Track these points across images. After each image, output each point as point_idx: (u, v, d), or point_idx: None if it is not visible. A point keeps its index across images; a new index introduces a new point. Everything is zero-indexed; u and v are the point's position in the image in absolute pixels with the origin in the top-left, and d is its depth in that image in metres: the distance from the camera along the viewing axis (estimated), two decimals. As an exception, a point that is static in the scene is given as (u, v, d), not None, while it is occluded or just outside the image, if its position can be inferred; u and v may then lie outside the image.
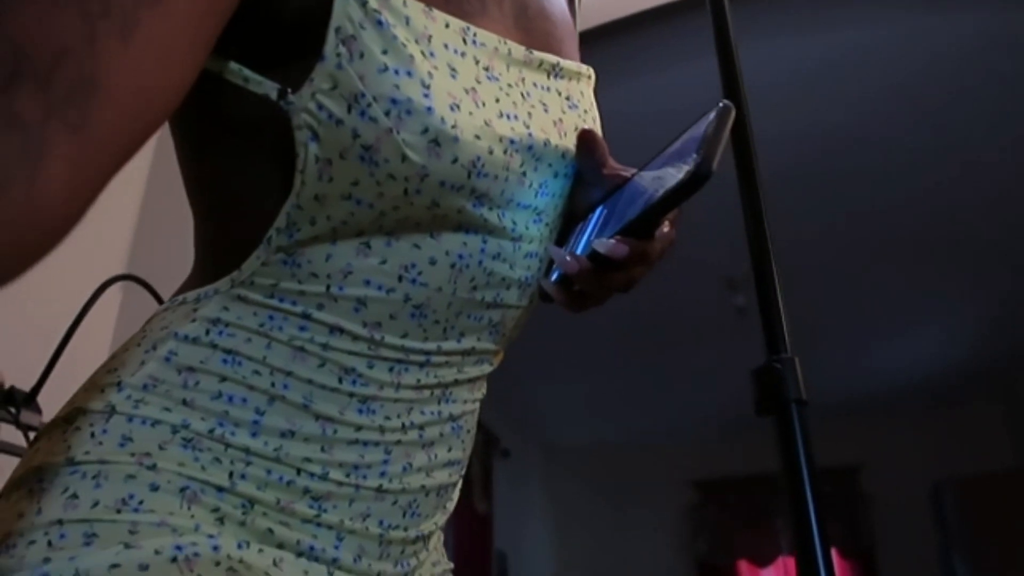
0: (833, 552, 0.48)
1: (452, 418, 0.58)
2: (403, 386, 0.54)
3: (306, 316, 0.51)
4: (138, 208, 1.94)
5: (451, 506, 0.62)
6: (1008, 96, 2.47)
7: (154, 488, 0.46)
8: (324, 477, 0.51)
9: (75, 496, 0.45)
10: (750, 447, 4.27)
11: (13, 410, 1.14)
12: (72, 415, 0.50)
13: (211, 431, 0.49)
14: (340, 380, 0.51)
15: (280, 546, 0.50)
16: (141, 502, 0.46)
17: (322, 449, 0.51)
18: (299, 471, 0.50)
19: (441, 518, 0.61)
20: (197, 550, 0.45)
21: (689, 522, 5.75)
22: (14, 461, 1.38)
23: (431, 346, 0.54)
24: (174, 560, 0.44)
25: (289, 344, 0.51)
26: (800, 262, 3.32)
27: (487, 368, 0.61)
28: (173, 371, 0.50)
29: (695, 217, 3.33)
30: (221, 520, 0.48)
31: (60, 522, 0.44)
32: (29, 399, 1.16)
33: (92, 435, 0.48)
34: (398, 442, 0.54)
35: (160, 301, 1.31)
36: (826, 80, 2.43)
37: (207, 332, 0.51)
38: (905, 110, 2.56)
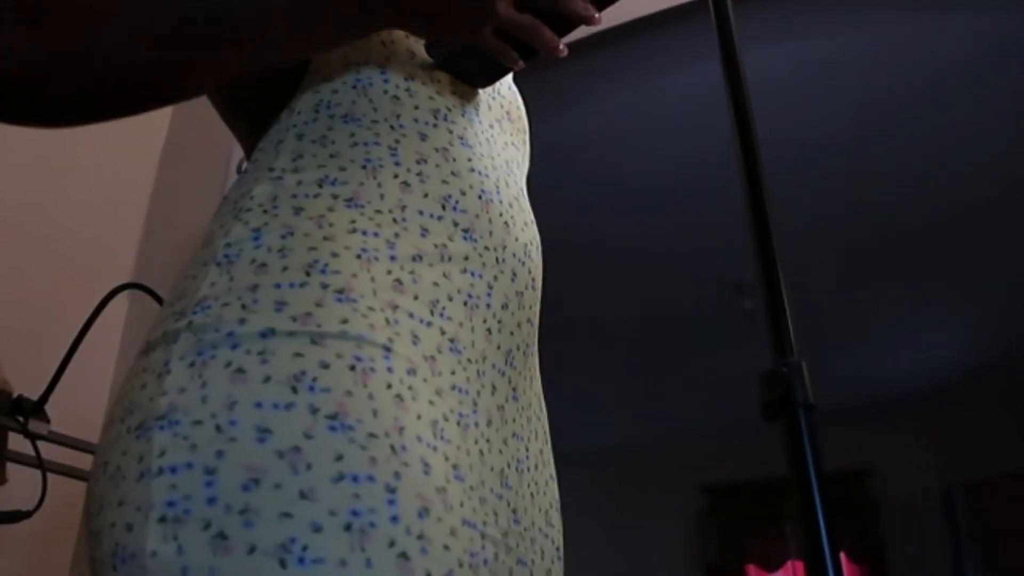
0: (842, 556, 0.48)
1: None
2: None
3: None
4: (144, 217, 1.95)
5: None
6: (1010, 96, 2.47)
7: (335, 255, 0.50)
8: (462, 198, 0.57)
9: (264, 265, 0.49)
10: (759, 451, 4.26)
11: (21, 419, 1.15)
12: (238, 204, 0.54)
13: (364, 167, 0.55)
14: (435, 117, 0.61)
15: (442, 331, 0.52)
16: (326, 265, 0.49)
17: (452, 173, 0.58)
18: (443, 204, 0.56)
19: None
20: (374, 366, 0.46)
21: (698, 527, 5.74)
22: (23, 470, 1.38)
23: None
24: (352, 369, 0.46)
25: (386, 94, 0.59)
26: (807, 266, 3.31)
27: None
28: (308, 143, 0.56)
29: (703, 222, 3.34)
30: (400, 281, 0.51)
31: (254, 287, 0.48)
32: (37, 407, 1.16)
33: (264, 211, 0.52)
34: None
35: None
36: (829, 83, 2.43)
37: (316, 109, 0.58)
38: (909, 113, 2.56)
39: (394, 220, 0.54)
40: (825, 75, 2.41)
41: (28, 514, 1.08)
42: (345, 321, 0.47)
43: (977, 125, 2.62)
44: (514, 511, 0.54)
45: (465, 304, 0.54)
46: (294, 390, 0.44)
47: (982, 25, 2.22)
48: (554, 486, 0.63)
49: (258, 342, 0.45)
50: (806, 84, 2.43)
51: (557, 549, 0.60)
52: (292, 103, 0.60)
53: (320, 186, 0.54)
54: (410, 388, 0.48)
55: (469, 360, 0.53)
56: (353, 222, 0.52)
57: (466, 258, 0.55)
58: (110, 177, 1.89)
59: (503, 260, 0.58)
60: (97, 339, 1.88)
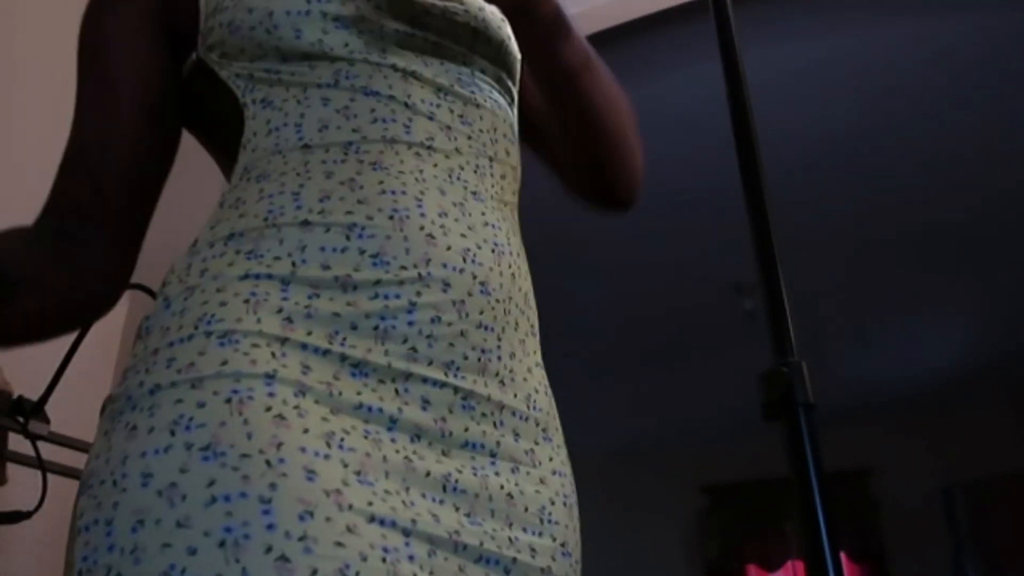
0: (843, 556, 0.48)
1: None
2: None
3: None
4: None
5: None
6: (1011, 96, 2.47)
7: (223, 304, 0.53)
8: (369, 223, 0.57)
9: (167, 328, 0.54)
10: (759, 451, 4.26)
11: (21, 419, 1.15)
12: (165, 277, 0.60)
13: (265, 219, 0.57)
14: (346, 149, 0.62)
15: (343, 357, 0.53)
16: (213, 315, 0.53)
17: (358, 201, 0.58)
18: (347, 234, 0.57)
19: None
20: (252, 395, 0.49)
21: (698, 527, 5.74)
22: (23, 470, 1.38)
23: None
24: (228, 401, 0.49)
25: (299, 144, 0.62)
26: (807, 266, 3.31)
27: None
28: (226, 208, 0.61)
29: (703, 222, 3.34)
30: (290, 319, 0.53)
31: (156, 351, 0.53)
32: (37, 408, 1.16)
33: (179, 279, 0.57)
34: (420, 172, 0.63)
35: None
36: (829, 83, 2.43)
37: (241, 176, 0.62)
38: (908, 112, 2.56)
39: (292, 263, 0.55)
40: (825, 75, 2.41)
41: (28, 514, 1.08)
42: (224, 363, 0.50)
43: (978, 125, 2.62)
44: (468, 514, 0.54)
45: (376, 328, 0.55)
46: (172, 432, 0.48)
47: (982, 24, 2.22)
48: (558, 482, 0.62)
49: (148, 399, 0.50)
50: (806, 84, 2.43)
51: (562, 545, 0.59)
52: (235, 169, 0.65)
53: (226, 244, 0.58)
54: (296, 408, 0.50)
55: (381, 380, 0.54)
56: (247, 271, 0.55)
57: (377, 282, 0.56)
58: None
59: (428, 274, 0.57)
60: (97, 339, 1.87)
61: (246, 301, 0.53)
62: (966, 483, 4.66)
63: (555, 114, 0.75)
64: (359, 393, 0.53)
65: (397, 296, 0.56)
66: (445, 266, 0.58)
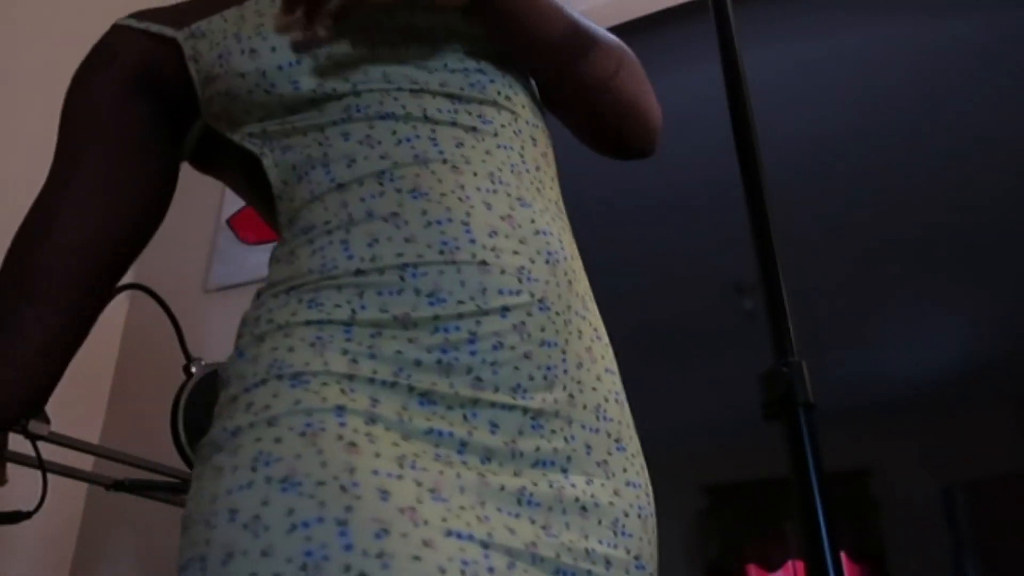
0: (843, 556, 0.48)
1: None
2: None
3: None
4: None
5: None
6: (1012, 97, 2.46)
7: (291, 349, 0.55)
8: (420, 261, 0.58)
9: (242, 377, 0.56)
10: (759, 451, 4.26)
11: (23, 420, 1.14)
12: (239, 331, 0.63)
13: (321, 273, 0.58)
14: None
15: (410, 388, 0.55)
16: (283, 361, 0.55)
17: (406, 239, 0.59)
18: (401, 275, 0.57)
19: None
20: (324, 426, 0.51)
21: (698, 527, 5.73)
22: (23, 471, 1.38)
23: None
24: (302, 435, 0.50)
25: (332, 188, 0.63)
26: (807, 265, 3.31)
27: None
28: (279, 265, 0.62)
29: (703, 222, 3.34)
30: (354, 359, 0.55)
31: (234, 399, 0.55)
32: (38, 409, 1.16)
33: (250, 332, 0.60)
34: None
35: (166, 310, 1.32)
36: (829, 83, 2.43)
37: (288, 226, 0.65)
38: (909, 112, 2.55)
39: (352, 310, 0.57)
40: (825, 75, 2.40)
41: (28, 515, 1.07)
42: (297, 402, 0.52)
43: (978, 124, 2.62)
44: (544, 527, 0.55)
45: (439, 362, 0.55)
46: (253, 469, 0.50)
47: (982, 24, 2.22)
48: (632, 492, 0.63)
49: (231, 440, 0.52)
50: (806, 84, 2.42)
51: (636, 558, 0.60)
52: (277, 219, 0.67)
53: (287, 294, 0.59)
54: (367, 435, 0.51)
55: (449, 407, 0.55)
56: (309, 319, 0.57)
57: (435, 317, 0.56)
58: (110, 177, 1.89)
59: (485, 302, 0.57)
60: (97, 339, 1.87)
61: (312, 345, 0.55)
62: (967, 482, 4.65)
63: (550, 92, 0.75)
64: (428, 419, 0.54)
65: (457, 328, 0.56)
66: (501, 292, 0.58)
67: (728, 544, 5.57)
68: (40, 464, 1.08)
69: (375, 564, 0.46)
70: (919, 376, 4.76)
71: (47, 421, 1.17)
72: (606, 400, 0.63)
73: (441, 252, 0.58)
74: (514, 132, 0.68)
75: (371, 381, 0.54)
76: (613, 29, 1.74)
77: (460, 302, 0.57)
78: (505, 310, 0.58)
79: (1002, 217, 3.08)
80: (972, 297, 3.86)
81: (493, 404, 0.56)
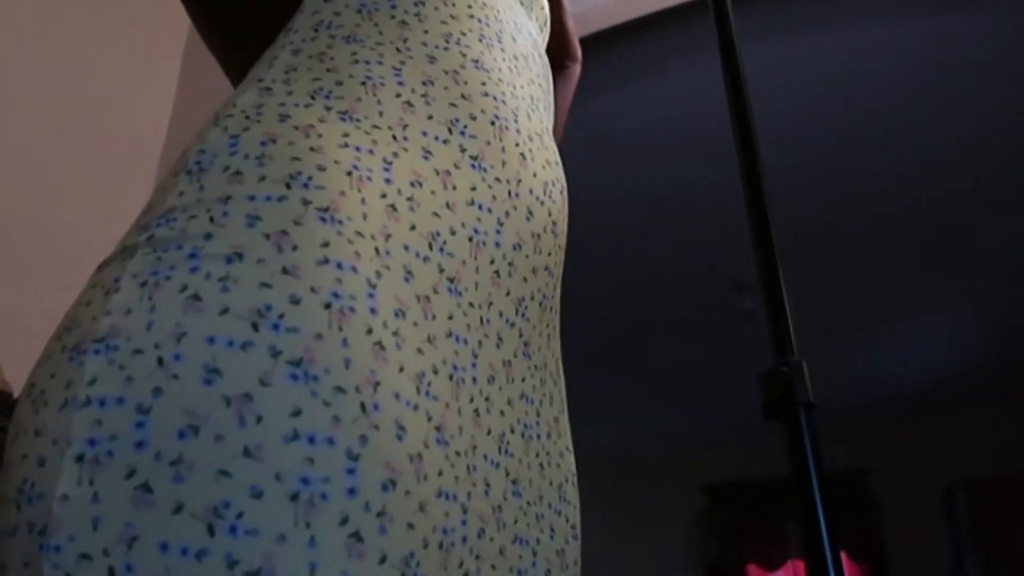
0: (843, 555, 0.48)
1: None
2: None
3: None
4: (133, 225, 1.95)
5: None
6: (1012, 96, 2.47)
7: (321, 167, 0.44)
8: (472, 123, 0.53)
9: (239, 173, 0.43)
10: (760, 451, 4.26)
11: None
12: (219, 113, 0.48)
13: (363, 83, 0.50)
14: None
15: (441, 269, 0.47)
16: (310, 178, 0.43)
17: (463, 96, 0.54)
18: (450, 127, 0.51)
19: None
20: (354, 305, 0.40)
21: (698, 526, 5.74)
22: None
23: None
24: (327, 307, 0.39)
25: (392, 19, 0.56)
26: (807, 265, 3.31)
27: None
28: (304, 58, 0.52)
29: (703, 222, 3.34)
30: (394, 207, 0.45)
31: (226, 198, 0.42)
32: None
33: (247, 116, 0.46)
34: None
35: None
36: (829, 82, 2.43)
37: (316, 28, 0.55)
38: (909, 112, 2.56)
39: (394, 138, 0.48)
40: (825, 74, 2.40)
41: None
42: (326, 244, 0.41)
43: (979, 124, 2.62)
44: (514, 481, 0.48)
45: (470, 240, 0.48)
46: (255, 327, 0.38)
47: (982, 23, 2.22)
48: (570, 459, 0.57)
49: (218, 263, 0.39)
50: (806, 83, 2.42)
51: (572, 527, 0.55)
52: (289, 24, 0.57)
53: (313, 97, 0.48)
54: (395, 334, 0.42)
55: (471, 304, 0.47)
56: (346, 135, 0.47)
57: (473, 188, 0.50)
58: (110, 181, 1.89)
59: (517, 195, 0.52)
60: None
61: (348, 174, 0.45)
62: (967, 482, 4.66)
63: None
64: (451, 317, 0.46)
65: (489, 210, 0.50)
66: (531, 192, 0.54)
67: (728, 544, 5.58)
68: (41, 464, 1.07)
69: (374, 525, 0.37)
70: (919, 376, 4.77)
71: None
72: (557, 356, 0.60)
73: (492, 123, 0.55)
74: (545, 78, 0.71)
75: (407, 248, 0.45)
76: (613, 29, 1.74)
77: (498, 180, 0.53)
78: (530, 214, 0.54)
79: (1003, 217, 3.08)
80: (972, 297, 3.87)
81: (502, 314, 0.49)
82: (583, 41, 1.67)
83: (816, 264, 3.35)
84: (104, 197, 1.86)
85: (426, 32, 0.56)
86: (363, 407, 0.38)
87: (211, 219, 0.41)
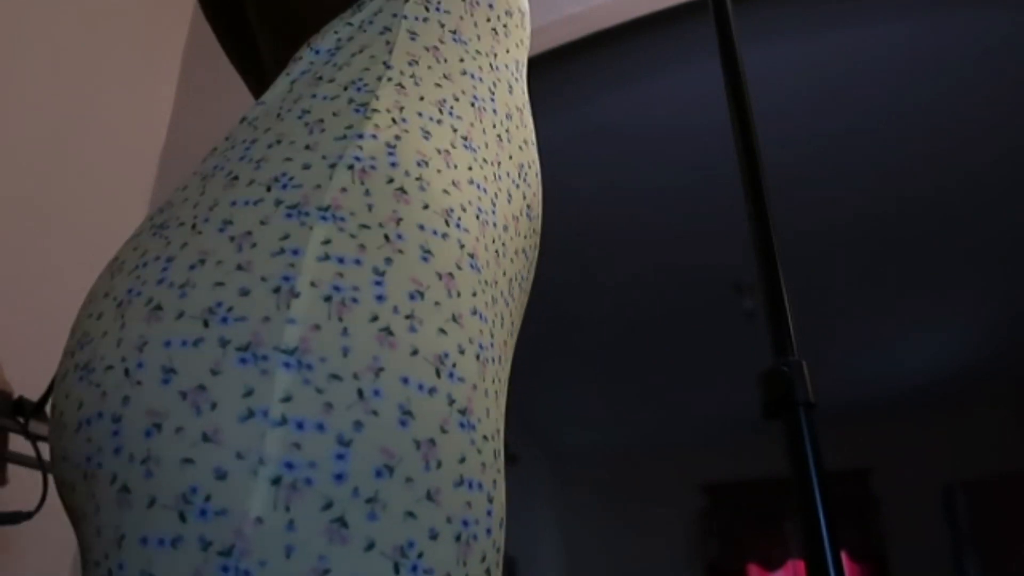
0: (843, 555, 0.48)
1: None
2: None
3: None
4: (146, 219, 1.95)
5: None
6: (1013, 96, 2.46)
7: (464, 209, 0.47)
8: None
9: (404, 192, 0.44)
10: (760, 450, 4.26)
11: (21, 420, 1.15)
12: (355, 96, 0.49)
13: (471, 110, 0.51)
14: None
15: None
16: (459, 219, 0.45)
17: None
18: (440, 108, 0.50)
19: None
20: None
21: (698, 526, 5.74)
22: (23, 471, 1.38)
23: None
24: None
25: (488, 21, 0.56)
26: (807, 265, 3.31)
27: None
28: (422, 49, 0.52)
29: (703, 221, 3.35)
30: (504, 246, 0.49)
31: (397, 219, 0.43)
32: (37, 409, 1.16)
33: (393, 120, 0.47)
34: None
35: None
36: (829, 82, 2.42)
37: (427, 7, 0.54)
38: (910, 111, 2.55)
39: (495, 176, 0.50)
40: (825, 74, 2.40)
41: (29, 515, 1.07)
42: (474, 294, 0.45)
43: (979, 124, 2.61)
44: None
45: (477, 217, 0.50)
46: (438, 373, 0.41)
47: (982, 24, 2.22)
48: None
49: (407, 302, 0.41)
50: (806, 83, 2.42)
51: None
52: None
53: (440, 111, 0.49)
54: (497, 381, 0.44)
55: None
56: (470, 169, 0.49)
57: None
58: (110, 182, 1.89)
59: (498, 177, 0.53)
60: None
61: (477, 216, 0.48)
62: (967, 482, 4.66)
63: None
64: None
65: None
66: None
67: (728, 544, 5.58)
68: (40, 464, 1.08)
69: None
70: (919, 376, 4.76)
71: (47, 421, 1.17)
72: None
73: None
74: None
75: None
76: (613, 29, 1.74)
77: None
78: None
79: (1003, 217, 3.08)
80: (972, 297, 3.87)
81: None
82: (583, 41, 1.67)
83: (816, 264, 3.34)
84: (104, 197, 1.86)
85: (507, 52, 0.57)
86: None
87: (386, 237, 0.42)
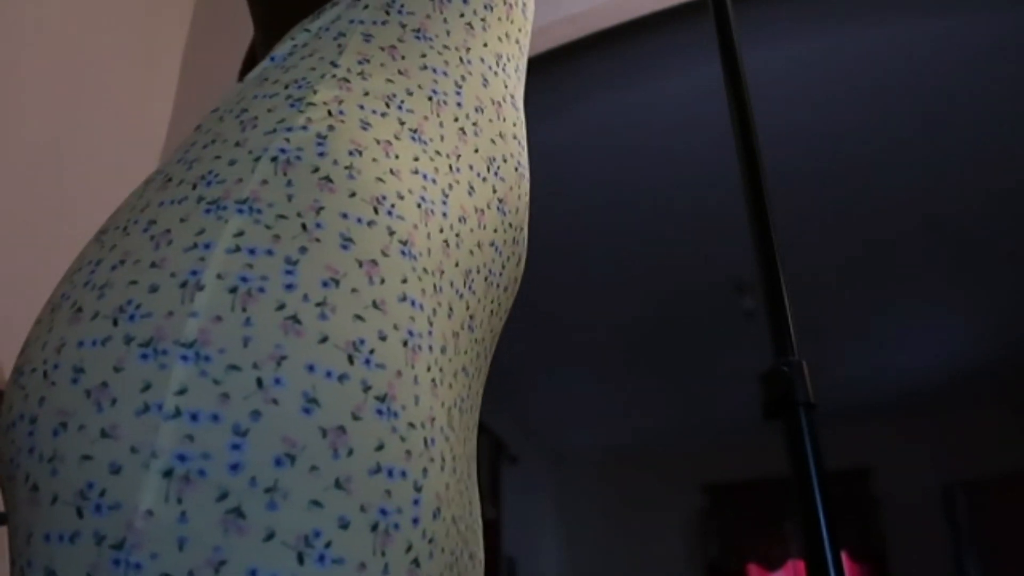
0: (843, 555, 0.48)
1: None
2: None
3: None
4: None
5: None
6: (1013, 96, 2.46)
7: (400, 196, 0.45)
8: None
9: (329, 180, 0.43)
10: (760, 451, 4.26)
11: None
12: (294, 93, 0.48)
13: (428, 104, 0.50)
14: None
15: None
16: (393, 206, 0.44)
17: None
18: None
19: None
20: (421, 344, 0.42)
21: (698, 526, 5.73)
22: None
23: None
24: (404, 344, 0.41)
25: (462, 17, 0.55)
26: (807, 264, 3.31)
27: None
28: (376, 49, 0.51)
29: (703, 221, 3.34)
30: (447, 243, 0.47)
31: (318, 208, 0.43)
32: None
33: (329, 112, 0.46)
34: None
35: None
36: (829, 82, 2.42)
37: (387, 10, 0.53)
38: (910, 112, 2.55)
39: (450, 168, 0.50)
40: (825, 74, 2.40)
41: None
42: (405, 281, 0.43)
43: (979, 124, 2.61)
44: (454, 458, 0.46)
45: (419, 206, 0.49)
46: (350, 360, 0.39)
47: (982, 23, 2.22)
48: (474, 439, 0.57)
49: (319, 290, 0.40)
50: (806, 83, 2.42)
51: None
52: None
53: (387, 105, 0.49)
54: (441, 370, 0.44)
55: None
56: (416, 159, 0.48)
57: (416, 159, 0.49)
58: (110, 181, 1.89)
59: (457, 169, 0.51)
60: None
61: (419, 206, 0.47)
62: (968, 482, 4.65)
63: None
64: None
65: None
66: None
67: (728, 544, 5.57)
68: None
69: (426, 550, 0.39)
70: (919, 376, 4.76)
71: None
72: (492, 333, 0.62)
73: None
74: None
75: (451, 284, 0.48)
76: (613, 29, 1.74)
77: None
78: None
79: (1003, 216, 3.08)
80: (972, 297, 3.86)
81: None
82: (583, 41, 1.67)
83: (816, 264, 3.34)
84: (103, 197, 1.86)
85: (485, 46, 0.56)
86: (425, 442, 0.39)
87: (303, 227, 0.41)
